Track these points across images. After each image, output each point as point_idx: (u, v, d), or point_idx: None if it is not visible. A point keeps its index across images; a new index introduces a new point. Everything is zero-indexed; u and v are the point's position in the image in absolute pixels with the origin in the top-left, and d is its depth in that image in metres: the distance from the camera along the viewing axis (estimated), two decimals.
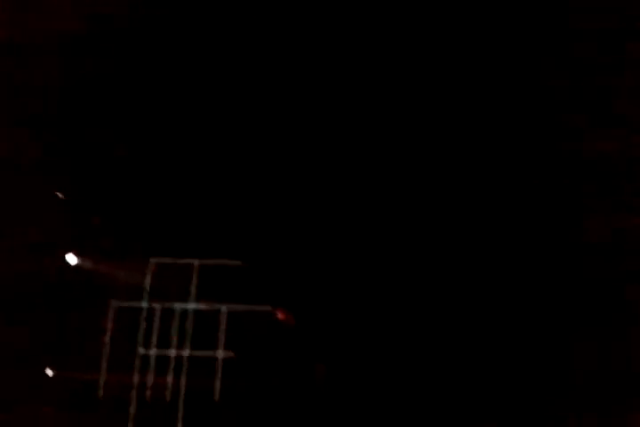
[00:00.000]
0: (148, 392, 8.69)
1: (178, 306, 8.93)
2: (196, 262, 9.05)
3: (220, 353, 8.79)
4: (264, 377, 8.72)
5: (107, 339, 8.78)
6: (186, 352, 8.82)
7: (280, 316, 8.93)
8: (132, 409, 8.61)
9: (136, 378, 8.71)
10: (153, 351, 8.83)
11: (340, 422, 8.60)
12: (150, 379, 8.71)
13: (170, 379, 8.71)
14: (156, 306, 8.92)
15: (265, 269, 9.00)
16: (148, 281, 8.99)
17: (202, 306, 8.91)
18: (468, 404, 8.54)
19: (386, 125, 9.10)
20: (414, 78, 9.09)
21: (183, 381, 8.70)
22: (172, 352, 8.83)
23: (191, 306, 8.94)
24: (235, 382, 8.71)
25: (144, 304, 8.92)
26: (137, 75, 9.29)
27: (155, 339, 8.86)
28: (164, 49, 9.27)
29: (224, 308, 8.87)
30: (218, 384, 8.69)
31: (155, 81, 9.20)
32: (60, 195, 9.14)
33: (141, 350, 8.82)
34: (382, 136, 9.09)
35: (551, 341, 8.48)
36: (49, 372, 8.76)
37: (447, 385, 8.58)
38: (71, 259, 9.06)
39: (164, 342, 8.85)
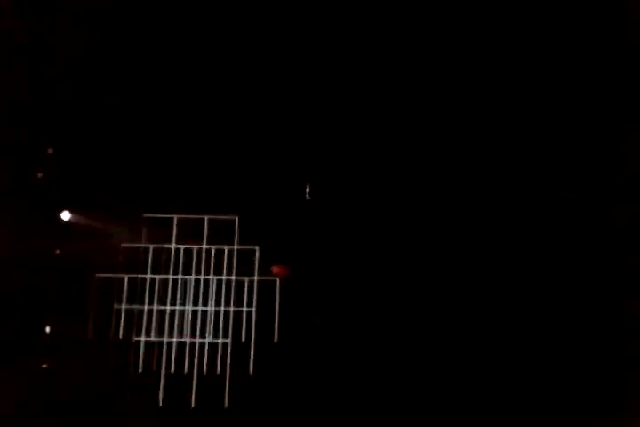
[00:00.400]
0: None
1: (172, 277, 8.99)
2: (191, 217, 9.07)
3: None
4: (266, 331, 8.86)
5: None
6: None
7: (275, 270, 9.02)
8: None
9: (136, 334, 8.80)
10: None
11: (337, 373, 8.77)
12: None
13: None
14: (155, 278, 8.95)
15: (261, 223, 9.05)
16: (144, 236, 8.99)
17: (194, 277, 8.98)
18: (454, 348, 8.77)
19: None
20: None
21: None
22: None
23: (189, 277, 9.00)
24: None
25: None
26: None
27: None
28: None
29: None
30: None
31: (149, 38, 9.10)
32: (50, 150, 9.02)
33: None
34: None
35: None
36: (47, 329, 8.74)
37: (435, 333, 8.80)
38: (65, 216, 8.98)
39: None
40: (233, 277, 8.96)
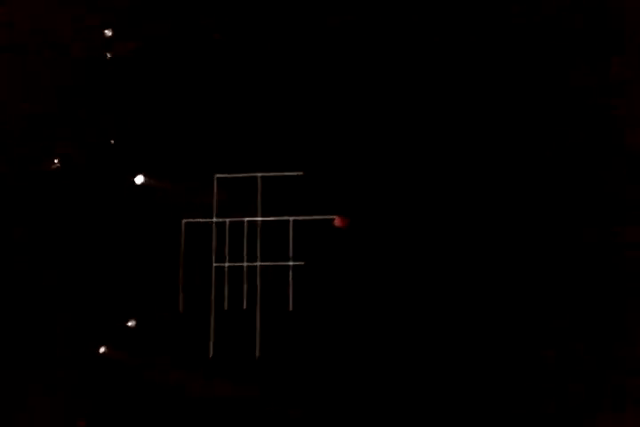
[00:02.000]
0: (226, 303, 9.15)
1: (246, 219, 9.30)
2: (259, 176, 9.34)
3: (291, 262, 9.18)
4: (332, 283, 9.13)
5: (181, 255, 9.21)
6: (257, 263, 9.21)
7: (337, 222, 9.25)
8: (212, 319, 9.11)
9: (213, 290, 9.17)
10: (226, 264, 9.24)
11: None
12: (226, 290, 9.18)
13: (245, 289, 9.15)
14: (226, 220, 9.28)
15: (325, 178, 9.28)
16: (214, 197, 9.31)
17: (269, 218, 9.27)
18: None
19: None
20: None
21: (258, 290, 9.14)
22: (245, 264, 9.24)
23: (259, 218, 9.30)
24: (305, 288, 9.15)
25: (214, 220, 9.28)
26: None
27: (227, 252, 9.26)
28: None
29: (291, 219, 9.22)
30: (290, 292, 9.13)
31: None
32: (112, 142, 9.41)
33: (215, 264, 9.23)
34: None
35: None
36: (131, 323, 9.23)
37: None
38: (138, 179, 9.34)
39: (236, 256, 9.29)
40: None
